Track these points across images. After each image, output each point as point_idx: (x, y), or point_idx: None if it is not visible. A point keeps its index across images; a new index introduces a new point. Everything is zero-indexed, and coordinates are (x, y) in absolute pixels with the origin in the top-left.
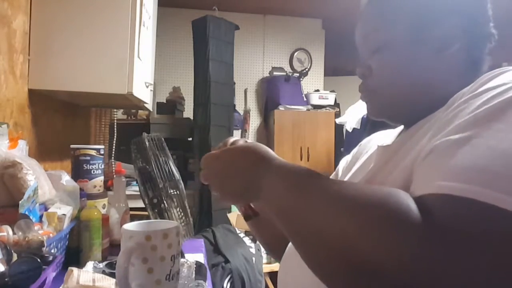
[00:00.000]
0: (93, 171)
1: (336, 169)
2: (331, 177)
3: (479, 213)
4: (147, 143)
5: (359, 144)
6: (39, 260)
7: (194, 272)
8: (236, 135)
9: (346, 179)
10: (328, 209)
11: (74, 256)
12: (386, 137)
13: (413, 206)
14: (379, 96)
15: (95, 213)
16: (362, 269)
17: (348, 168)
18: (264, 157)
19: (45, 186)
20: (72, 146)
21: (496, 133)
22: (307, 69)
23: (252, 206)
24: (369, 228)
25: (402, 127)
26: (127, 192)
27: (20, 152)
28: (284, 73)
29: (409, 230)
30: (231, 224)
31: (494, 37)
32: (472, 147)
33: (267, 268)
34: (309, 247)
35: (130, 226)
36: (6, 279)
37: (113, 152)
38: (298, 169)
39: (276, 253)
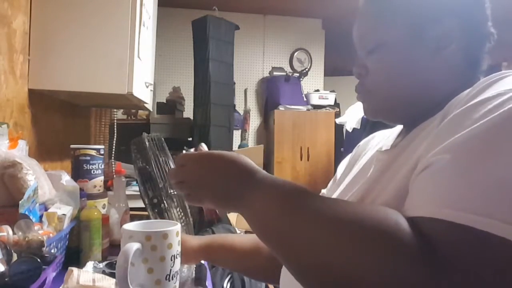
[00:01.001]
0: (93, 171)
1: (335, 175)
2: (330, 183)
3: (480, 242)
4: (147, 143)
5: (357, 146)
6: (39, 260)
7: (194, 272)
8: (236, 135)
9: (345, 183)
10: (319, 230)
11: (74, 256)
12: (385, 138)
13: (405, 227)
14: (375, 96)
15: (95, 213)
16: None
17: (346, 171)
18: (249, 168)
19: (45, 186)
20: (72, 146)
21: (492, 157)
22: (307, 69)
23: (217, 212)
24: (365, 253)
25: (401, 126)
26: (127, 192)
27: (20, 152)
28: (284, 73)
29: (407, 255)
30: (231, 224)
31: (493, 36)
32: (468, 173)
33: None
34: (295, 265)
35: (130, 226)
36: (6, 279)
37: (113, 152)
38: (284, 185)
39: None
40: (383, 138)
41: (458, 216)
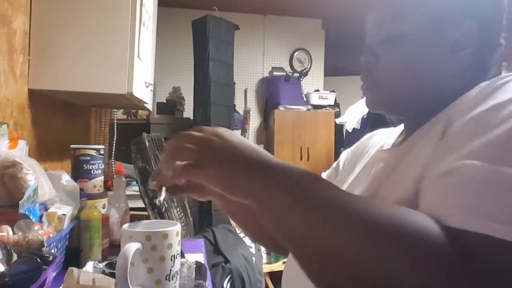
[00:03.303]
0: (93, 171)
1: (336, 162)
2: (331, 170)
3: None
4: (147, 143)
5: (360, 140)
6: (39, 260)
7: (194, 272)
8: None
9: (348, 182)
10: (349, 232)
11: (74, 256)
12: (386, 136)
13: (444, 238)
14: (381, 86)
15: (95, 213)
16: None
17: (349, 168)
18: (262, 153)
19: (45, 186)
20: (72, 146)
21: None
22: (307, 69)
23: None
24: (403, 263)
25: (402, 127)
26: (127, 192)
27: (20, 152)
28: (284, 73)
29: (451, 268)
30: (231, 224)
31: (501, 47)
32: (506, 183)
33: (267, 268)
34: (313, 262)
35: (130, 226)
36: (6, 279)
37: (113, 152)
38: (301, 173)
39: (262, 240)
40: (385, 136)
41: (509, 232)
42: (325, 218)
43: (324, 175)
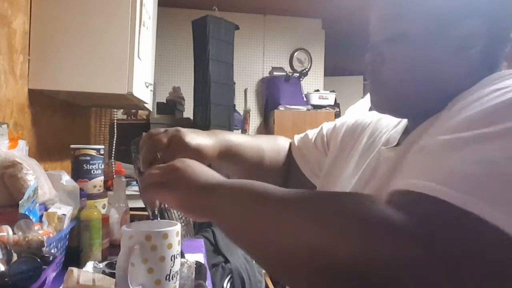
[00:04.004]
0: (93, 171)
1: (333, 125)
2: (316, 134)
3: (450, 217)
4: None
5: (355, 121)
6: (39, 260)
7: (194, 272)
8: None
9: (354, 181)
10: (295, 220)
11: (74, 256)
12: (392, 128)
13: (379, 204)
14: (389, 88)
15: (95, 213)
16: (337, 273)
17: (344, 148)
18: (212, 174)
19: (45, 186)
20: (72, 146)
21: (483, 139)
22: (307, 69)
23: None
24: (345, 233)
25: (406, 121)
26: (127, 192)
27: (20, 152)
28: (284, 73)
29: (380, 227)
30: None
31: (511, 42)
32: (454, 151)
33: None
34: (274, 258)
35: (130, 226)
36: (6, 279)
37: (113, 152)
38: (246, 184)
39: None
40: (391, 128)
41: (434, 189)
42: (284, 212)
43: (309, 133)
